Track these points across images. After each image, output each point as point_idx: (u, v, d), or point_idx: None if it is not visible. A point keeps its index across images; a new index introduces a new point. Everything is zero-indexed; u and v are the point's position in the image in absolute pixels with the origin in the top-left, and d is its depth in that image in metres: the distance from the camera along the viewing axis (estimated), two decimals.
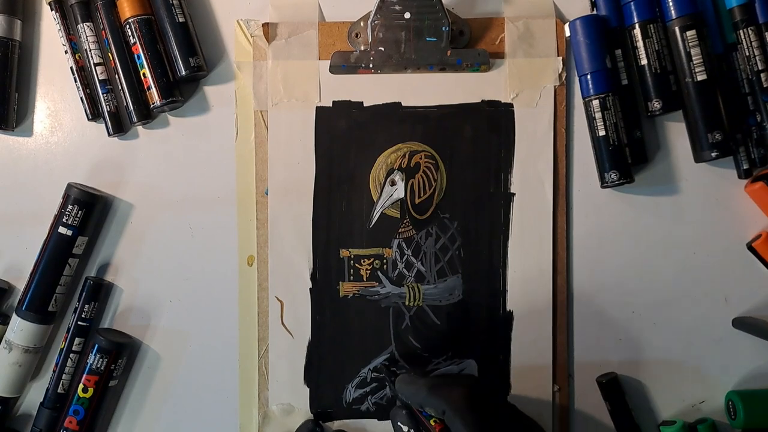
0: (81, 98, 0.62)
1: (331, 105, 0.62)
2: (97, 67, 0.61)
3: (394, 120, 0.62)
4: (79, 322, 0.61)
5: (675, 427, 0.61)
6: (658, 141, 0.63)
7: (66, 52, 0.62)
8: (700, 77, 0.60)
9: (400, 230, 0.63)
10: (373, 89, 0.62)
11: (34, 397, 0.63)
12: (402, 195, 0.63)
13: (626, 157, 0.61)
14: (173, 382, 0.63)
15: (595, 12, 0.62)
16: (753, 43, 0.60)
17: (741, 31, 0.60)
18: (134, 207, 0.63)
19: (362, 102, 0.62)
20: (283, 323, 0.63)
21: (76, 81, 0.62)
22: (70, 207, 0.60)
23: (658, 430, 0.62)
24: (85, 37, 0.61)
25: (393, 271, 0.63)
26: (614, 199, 0.63)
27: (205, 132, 0.63)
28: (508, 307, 0.63)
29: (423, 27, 0.61)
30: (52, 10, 0.61)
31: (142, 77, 0.61)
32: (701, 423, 0.62)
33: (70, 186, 0.61)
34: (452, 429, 0.51)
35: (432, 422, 0.54)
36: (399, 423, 0.57)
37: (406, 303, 0.63)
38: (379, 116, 0.62)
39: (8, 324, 0.61)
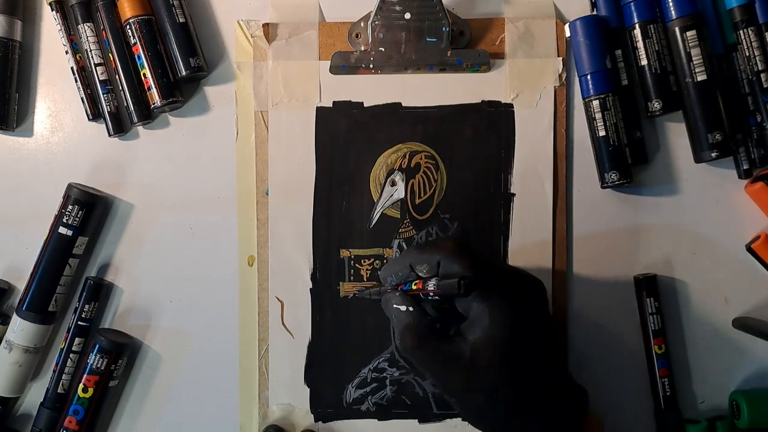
0: (81, 98, 0.62)
1: (331, 105, 0.62)
2: (97, 68, 0.61)
3: (395, 120, 0.62)
4: (79, 322, 0.61)
5: (700, 426, 0.61)
6: (658, 141, 0.63)
7: (66, 52, 0.62)
8: (700, 77, 0.60)
9: (400, 230, 0.63)
10: (374, 90, 0.62)
11: (34, 397, 0.63)
12: (402, 195, 0.63)
13: (626, 158, 0.61)
14: (173, 383, 0.63)
15: (595, 12, 0.62)
16: (753, 44, 0.60)
17: (741, 31, 0.60)
18: (134, 207, 0.63)
19: (362, 102, 0.62)
20: (283, 323, 0.63)
21: (76, 81, 0.62)
22: (70, 207, 0.60)
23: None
24: (85, 37, 0.61)
25: None
26: (614, 200, 0.63)
27: (206, 132, 0.63)
28: None
29: (423, 27, 0.61)
30: (52, 10, 0.61)
31: (143, 77, 0.61)
32: (719, 419, 0.62)
33: (70, 186, 0.61)
34: (451, 273, 0.48)
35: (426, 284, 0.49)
36: (395, 305, 0.52)
37: None
38: (380, 117, 0.62)
39: (8, 324, 0.61)
